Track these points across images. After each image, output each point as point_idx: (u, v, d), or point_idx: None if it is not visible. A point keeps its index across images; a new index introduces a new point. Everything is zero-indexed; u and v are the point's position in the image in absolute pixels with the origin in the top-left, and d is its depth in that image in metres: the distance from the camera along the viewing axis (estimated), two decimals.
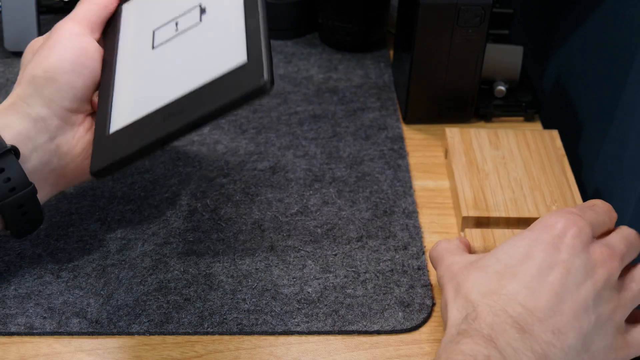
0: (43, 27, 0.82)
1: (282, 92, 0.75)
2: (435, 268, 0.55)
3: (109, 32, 0.60)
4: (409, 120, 0.73)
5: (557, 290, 0.48)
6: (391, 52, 0.82)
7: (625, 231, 0.53)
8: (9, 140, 0.52)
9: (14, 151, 0.52)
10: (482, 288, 0.49)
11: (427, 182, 0.67)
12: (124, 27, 0.60)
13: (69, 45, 0.55)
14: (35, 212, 0.54)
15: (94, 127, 0.57)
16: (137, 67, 0.56)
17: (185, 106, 0.51)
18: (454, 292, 0.50)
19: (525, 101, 0.74)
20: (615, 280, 0.50)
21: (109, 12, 0.60)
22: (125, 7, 0.62)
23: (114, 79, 0.57)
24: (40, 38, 0.58)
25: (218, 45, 0.53)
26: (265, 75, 0.48)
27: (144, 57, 0.57)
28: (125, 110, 0.54)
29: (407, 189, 0.65)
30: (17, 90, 0.55)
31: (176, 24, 0.57)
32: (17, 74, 0.76)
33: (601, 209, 0.53)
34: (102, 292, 0.56)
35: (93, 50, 0.57)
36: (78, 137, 0.56)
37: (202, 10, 0.57)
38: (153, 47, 0.57)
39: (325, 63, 0.80)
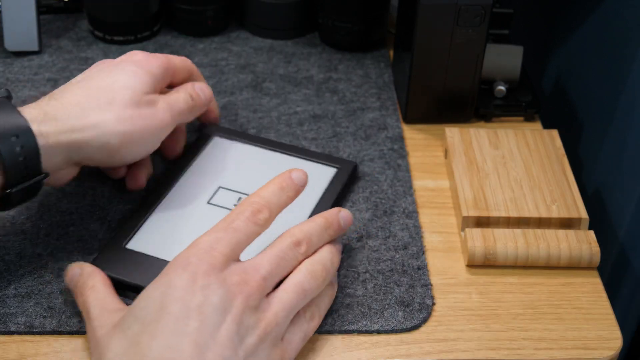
0: (43, 27, 0.82)
1: (282, 92, 0.75)
2: (85, 320, 0.51)
3: (194, 147, 0.66)
4: (409, 120, 0.73)
5: (197, 340, 0.45)
6: (391, 52, 0.82)
7: (277, 245, 0.51)
8: (44, 169, 0.54)
9: (45, 175, 0.54)
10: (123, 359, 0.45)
11: (427, 182, 0.67)
12: (204, 155, 0.65)
13: (157, 137, 0.58)
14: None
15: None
16: (185, 209, 0.60)
17: None
18: None
19: (525, 101, 0.74)
20: (256, 302, 0.47)
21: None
22: (218, 141, 0.67)
23: (162, 200, 0.61)
24: (151, 62, 0.59)
25: None
26: None
27: (197, 205, 0.61)
28: (151, 239, 0.58)
29: (407, 189, 0.65)
30: (89, 134, 0.54)
31: (238, 199, 0.61)
32: (16, 74, 0.76)
33: (244, 223, 0.50)
34: None
35: (163, 144, 0.60)
36: (75, 172, 0.58)
37: None
38: (209, 202, 0.61)
39: (325, 63, 0.80)
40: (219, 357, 0.45)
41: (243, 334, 0.46)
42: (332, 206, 0.61)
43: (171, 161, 0.66)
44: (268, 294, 0.49)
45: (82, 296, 0.52)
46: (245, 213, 0.51)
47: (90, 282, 0.52)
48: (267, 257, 0.50)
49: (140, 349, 0.45)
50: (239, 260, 0.50)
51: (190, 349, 0.44)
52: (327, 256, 0.53)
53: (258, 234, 0.51)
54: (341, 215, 0.55)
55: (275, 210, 0.52)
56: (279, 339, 0.49)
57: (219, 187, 0.62)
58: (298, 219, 0.56)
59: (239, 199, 0.61)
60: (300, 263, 0.52)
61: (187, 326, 0.45)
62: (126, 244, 0.57)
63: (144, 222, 0.59)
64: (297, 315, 0.51)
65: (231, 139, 0.67)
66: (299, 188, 0.54)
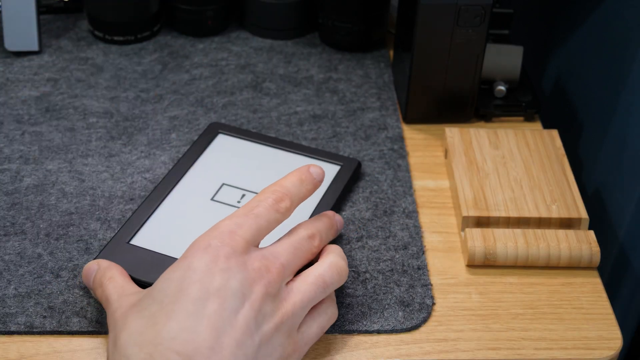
0: (43, 27, 0.82)
1: (282, 92, 0.75)
2: (105, 308, 0.51)
3: (198, 144, 0.66)
4: (409, 120, 0.73)
5: (215, 323, 0.44)
6: (391, 52, 0.82)
7: (293, 235, 0.51)
8: None
9: None
10: (138, 338, 0.44)
11: (427, 182, 0.67)
12: (208, 152, 0.66)
13: None
14: None
15: None
16: (188, 205, 0.61)
17: None
18: (112, 345, 0.46)
19: (525, 101, 0.74)
20: (276, 290, 0.47)
21: None
22: (222, 138, 0.67)
23: (165, 197, 0.61)
24: None
25: None
26: None
27: (201, 202, 0.61)
28: (155, 235, 0.58)
29: (407, 189, 0.65)
30: None
31: (242, 197, 0.62)
32: (16, 74, 0.76)
33: (266, 210, 0.50)
34: None
35: None
36: None
37: None
38: (212, 198, 0.61)
39: (325, 63, 0.80)
40: (235, 341, 0.44)
41: (260, 321, 0.46)
42: (336, 203, 0.61)
43: (175, 158, 0.66)
44: (287, 283, 0.49)
45: (101, 287, 0.51)
46: (267, 200, 0.50)
47: (108, 274, 0.52)
48: (285, 245, 0.50)
49: (157, 330, 0.44)
50: (257, 247, 0.49)
51: (207, 332, 0.44)
52: (342, 253, 0.53)
53: (279, 222, 0.50)
54: (336, 219, 0.56)
55: (296, 201, 0.52)
56: (294, 329, 0.48)
57: (223, 184, 0.62)
58: (301, 214, 0.56)
59: (243, 195, 0.62)
60: (312, 256, 0.52)
61: (205, 309, 0.45)
62: (130, 239, 0.57)
63: (148, 218, 0.59)
64: (314, 308, 0.51)
65: (235, 136, 0.67)
66: (317, 183, 0.54)
